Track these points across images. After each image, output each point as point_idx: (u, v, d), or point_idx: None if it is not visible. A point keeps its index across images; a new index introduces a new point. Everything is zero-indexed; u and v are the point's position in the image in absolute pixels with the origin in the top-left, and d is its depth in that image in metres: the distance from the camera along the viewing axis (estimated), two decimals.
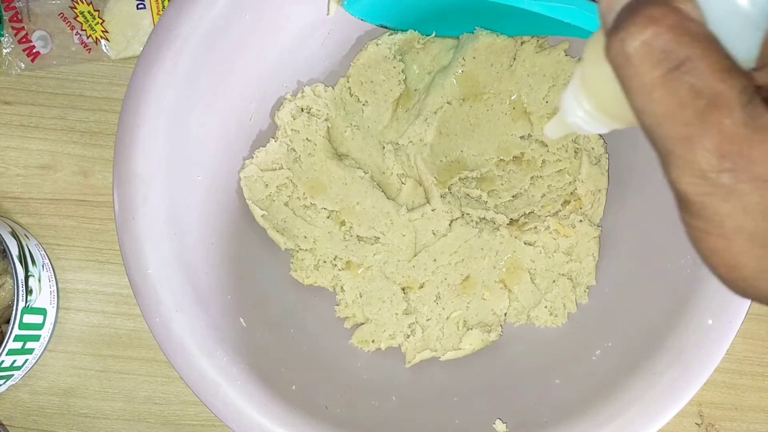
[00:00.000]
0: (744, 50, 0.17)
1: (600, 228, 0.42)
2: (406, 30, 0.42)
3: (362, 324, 0.42)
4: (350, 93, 0.43)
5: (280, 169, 0.41)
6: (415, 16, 0.41)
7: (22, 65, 0.47)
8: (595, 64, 0.20)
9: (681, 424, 0.46)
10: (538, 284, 0.42)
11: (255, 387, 0.34)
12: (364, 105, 0.43)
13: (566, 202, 0.42)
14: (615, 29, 0.17)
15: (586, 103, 0.20)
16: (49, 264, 0.46)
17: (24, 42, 0.47)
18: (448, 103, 0.42)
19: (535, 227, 0.42)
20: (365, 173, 0.42)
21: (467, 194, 0.43)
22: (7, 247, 0.41)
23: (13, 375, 0.43)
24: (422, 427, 0.37)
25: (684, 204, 0.17)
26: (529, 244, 0.42)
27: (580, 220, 0.42)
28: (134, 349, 0.46)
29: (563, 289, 0.42)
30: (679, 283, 0.35)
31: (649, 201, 0.40)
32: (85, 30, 0.47)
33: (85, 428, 0.46)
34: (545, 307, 0.42)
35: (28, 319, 0.42)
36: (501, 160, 0.43)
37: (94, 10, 0.47)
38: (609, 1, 0.18)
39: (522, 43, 0.41)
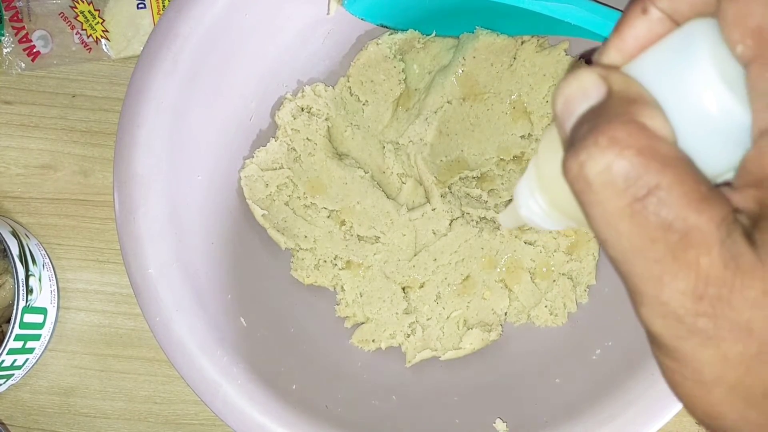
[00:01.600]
0: (718, 163, 0.15)
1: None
2: (407, 29, 0.42)
3: (362, 323, 0.42)
4: (350, 92, 0.43)
5: (280, 168, 0.41)
6: (415, 16, 0.41)
7: (23, 65, 0.47)
8: (551, 162, 0.17)
9: (681, 423, 0.46)
10: (538, 284, 0.42)
11: (255, 386, 0.35)
12: (364, 104, 0.43)
13: None
14: (573, 148, 0.15)
15: (541, 200, 0.18)
16: (50, 263, 0.46)
17: (24, 41, 0.47)
18: (448, 102, 0.42)
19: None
20: (365, 173, 0.42)
21: (467, 194, 0.43)
22: (8, 246, 0.41)
23: (13, 374, 0.43)
24: (422, 427, 0.37)
25: (656, 343, 0.15)
26: (530, 244, 0.42)
27: None
28: (135, 348, 0.46)
29: (563, 289, 0.42)
30: None
31: None
32: (85, 30, 0.47)
33: (86, 427, 0.46)
34: (545, 306, 0.42)
35: (29, 318, 0.42)
36: (501, 159, 0.43)
37: (95, 10, 0.47)
38: (564, 105, 0.16)
39: (522, 43, 0.41)
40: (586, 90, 0.15)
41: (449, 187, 0.43)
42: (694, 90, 0.14)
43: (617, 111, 0.14)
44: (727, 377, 0.14)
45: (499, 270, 0.42)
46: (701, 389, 0.15)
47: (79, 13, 0.47)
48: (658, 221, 0.14)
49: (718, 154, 0.15)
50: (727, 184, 0.15)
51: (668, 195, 0.14)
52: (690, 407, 0.16)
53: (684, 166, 0.14)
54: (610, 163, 0.14)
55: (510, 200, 0.43)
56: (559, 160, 0.16)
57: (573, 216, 0.18)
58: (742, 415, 0.15)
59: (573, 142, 0.15)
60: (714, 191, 0.14)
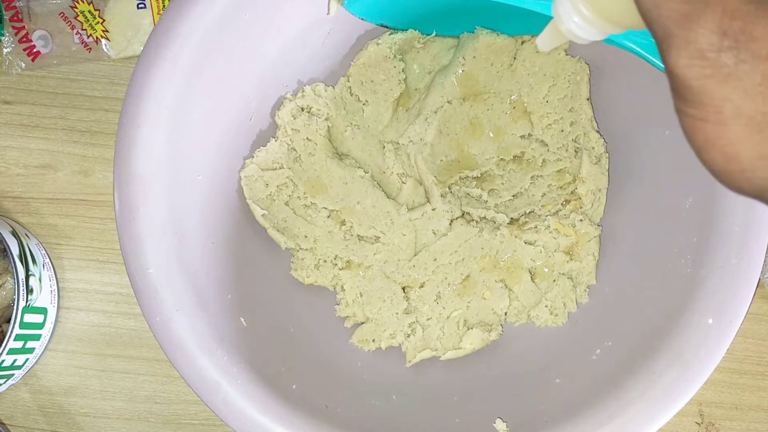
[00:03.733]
0: None
1: (600, 227, 0.42)
2: (407, 29, 0.42)
3: (362, 323, 0.42)
4: (350, 92, 0.43)
5: (280, 168, 0.41)
6: (415, 16, 0.41)
7: (23, 65, 0.47)
8: None
9: (681, 423, 0.46)
10: (538, 284, 0.42)
11: (255, 386, 0.34)
12: (364, 104, 0.43)
13: (566, 202, 0.42)
14: None
15: (583, 7, 0.19)
16: (50, 263, 0.46)
17: (24, 41, 0.47)
18: (448, 102, 0.42)
19: (536, 227, 0.42)
20: (365, 173, 0.42)
21: (467, 193, 0.43)
22: (8, 246, 0.41)
23: (13, 374, 0.43)
24: (422, 427, 0.37)
25: (681, 91, 0.16)
26: (530, 244, 0.42)
27: (581, 220, 0.42)
28: (135, 348, 0.46)
29: (563, 289, 0.42)
30: (679, 282, 0.35)
31: (650, 200, 0.40)
32: (85, 30, 0.47)
33: (86, 427, 0.46)
34: (545, 306, 0.42)
35: (29, 318, 0.42)
36: (501, 159, 0.43)
37: (95, 10, 0.47)
38: None
39: (522, 43, 0.41)
40: None
41: (449, 187, 0.43)
42: None
43: None
44: (745, 110, 0.15)
45: (499, 270, 0.42)
46: (721, 128, 0.16)
47: (79, 13, 0.47)
48: None
49: None
50: None
51: None
52: (709, 155, 0.16)
53: None
54: None
55: (511, 198, 0.43)
56: None
57: (615, 15, 0.19)
58: (759, 149, 0.16)
59: None
60: None
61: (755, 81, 0.15)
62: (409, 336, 0.42)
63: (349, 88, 0.43)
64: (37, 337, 0.44)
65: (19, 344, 0.42)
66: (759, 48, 0.15)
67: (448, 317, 0.42)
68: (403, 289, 0.42)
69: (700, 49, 0.15)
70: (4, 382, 0.43)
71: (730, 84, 0.15)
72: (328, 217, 0.42)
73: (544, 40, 0.23)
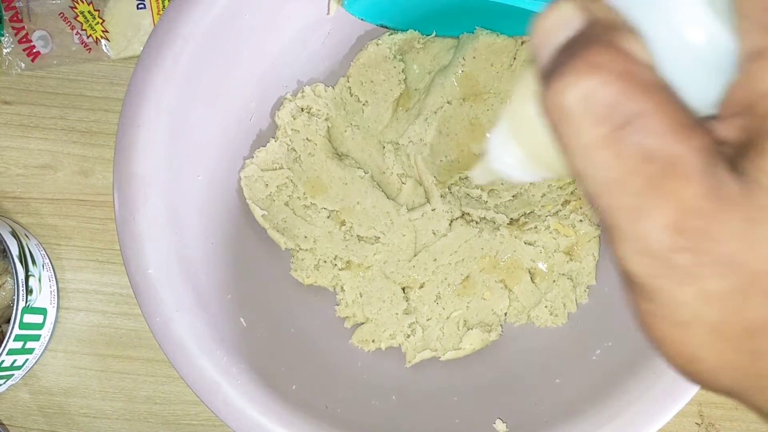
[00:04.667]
0: (702, 95, 0.14)
1: (600, 228, 0.42)
2: (407, 30, 0.42)
3: (362, 324, 0.42)
4: (350, 93, 0.43)
5: (280, 168, 0.41)
6: (415, 16, 0.41)
7: (23, 65, 0.47)
8: (525, 107, 0.17)
9: (681, 424, 0.46)
10: (538, 284, 0.42)
11: (255, 387, 0.34)
12: (364, 105, 0.43)
13: (566, 202, 0.42)
14: (550, 76, 0.14)
15: (516, 149, 0.17)
16: (50, 264, 0.46)
17: (24, 42, 0.47)
18: (448, 102, 0.42)
19: (536, 227, 0.42)
20: (365, 173, 0.42)
21: (467, 194, 0.43)
22: (8, 246, 0.41)
23: (13, 375, 0.43)
24: (422, 427, 0.37)
25: (632, 285, 0.14)
26: (530, 244, 0.42)
27: (581, 220, 0.42)
28: (134, 348, 0.46)
29: (563, 289, 0.42)
30: None
31: None
32: (85, 30, 0.47)
33: (86, 428, 0.46)
34: (545, 306, 0.42)
35: (29, 318, 0.42)
36: None
37: (95, 10, 0.47)
38: (543, 35, 0.15)
39: (522, 43, 0.41)
40: (566, 19, 0.14)
41: (449, 187, 0.43)
42: (677, 16, 0.14)
43: (598, 37, 0.14)
44: (707, 316, 0.13)
45: (498, 270, 0.42)
46: (679, 331, 0.14)
47: (79, 13, 0.47)
48: (637, 151, 0.13)
49: (701, 85, 0.14)
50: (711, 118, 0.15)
51: (649, 123, 0.13)
52: (666, 352, 0.15)
53: (666, 93, 0.13)
54: (589, 89, 0.13)
55: (511, 199, 0.43)
56: (536, 104, 0.15)
57: (548, 164, 0.17)
58: (723, 357, 0.14)
59: (551, 72, 0.14)
60: (696, 121, 0.13)
61: (717, 287, 0.13)
62: (408, 336, 0.42)
63: (349, 88, 0.43)
64: (37, 338, 0.43)
65: (18, 345, 0.42)
66: (720, 251, 0.13)
67: (447, 317, 0.42)
68: (403, 289, 0.42)
69: (652, 249, 0.13)
70: (4, 383, 0.43)
71: (689, 287, 0.13)
72: (328, 217, 0.42)
73: (478, 174, 0.21)
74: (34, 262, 0.43)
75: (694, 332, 0.14)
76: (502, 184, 0.41)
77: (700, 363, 0.14)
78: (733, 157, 0.13)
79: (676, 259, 0.13)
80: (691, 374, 0.15)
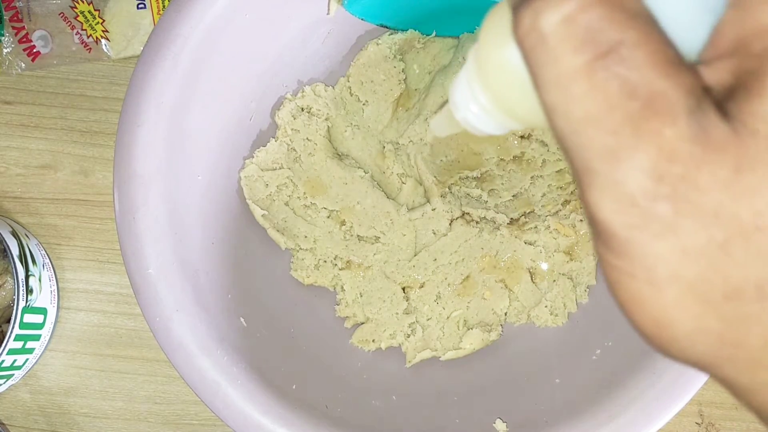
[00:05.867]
0: (688, 38, 0.13)
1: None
2: (407, 29, 0.42)
3: (362, 323, 0.42)
4: (350, 92, 0.43)
5: (280, 168, 0.41)
6: (415, 16, 0.41)
7: (23, 65, 0.47)
8: (495, 46, 0.15)
9: (681, 423, 0.46)
10: (538, 284, 0.42)
11: (255, 386, 0.34)
12: (364, 105, 0.43)
13: (566, 202, 0.42)
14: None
15: (482, 96, 0.16)
16: (50, 263, 0.46)
17: (24, 41, 0.47)
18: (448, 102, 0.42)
19: (536, 227, 0.42)
20: (365, 173, 0.42)
21: (467, 194, 0.43)
22: (8, 246, 0.41)
23: (13, 374, 0.43)
24: (422, 427, 0.37)
25: (602, 235, 0.13)
26: (530, 244, 0.42)
27: (581, 220, 0.42)
28: (135, 348, 0.46)
29: (564, 289, 0.42)
30: None
31: None
32: (85, 30, 0.47)
33: (86, 428, 0.46)
34: (545, 306, 0.42)
35: (29, 318, 0.42)
36: (501, 159, 0.43)
37: (95, 10, 0.47)
38: None
39: None
40: None
41: (449, 187, 0.43)
42: None
43: None
44: (684, 274, 0.12)
45: (499, 270, 0.42)
46: (652, 290, 0.13)
47: (79, 13, 0.47)
48: (619, 84, 0.12)
49: (689, 26, 0.13)
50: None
51: (634, 54, 0.12)
52: (635, 315, 0.13)
53: (651, 23, 0.12)
54: (569, 13, 0.12)
55: (511, 198, 0.43)
56: (506, 40, 0.14)
57: (520, 113, 0.15)
58: (698, 323, 0.13)
59: None
60: (682, 59, 0.12)
61: (698, 241, 0.12)
62: (409, 336, 0.42)
63: (349, 88, 0.43)
64: (37, 338, 0.44)
65: (18, 344, 0.42)
66: (704, 201, 0.12)
67: (448, 317, 0.42)
68: (403, 289, 0.42)
69: (629, 194, 0.12)
70: (4, 383, 0.43)
71: (666, 241, 0.12)
72: (328, 217, 0.42)
73: (438, 125, 0.19)
74: (34, 261, 0.43)
75: (669, 293, 0.12)
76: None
77: (672, 328, 0.13)
78: (720, 101, 0.12)
79: (654, 208, 0.12)
80: (661, 341, 0.14)
